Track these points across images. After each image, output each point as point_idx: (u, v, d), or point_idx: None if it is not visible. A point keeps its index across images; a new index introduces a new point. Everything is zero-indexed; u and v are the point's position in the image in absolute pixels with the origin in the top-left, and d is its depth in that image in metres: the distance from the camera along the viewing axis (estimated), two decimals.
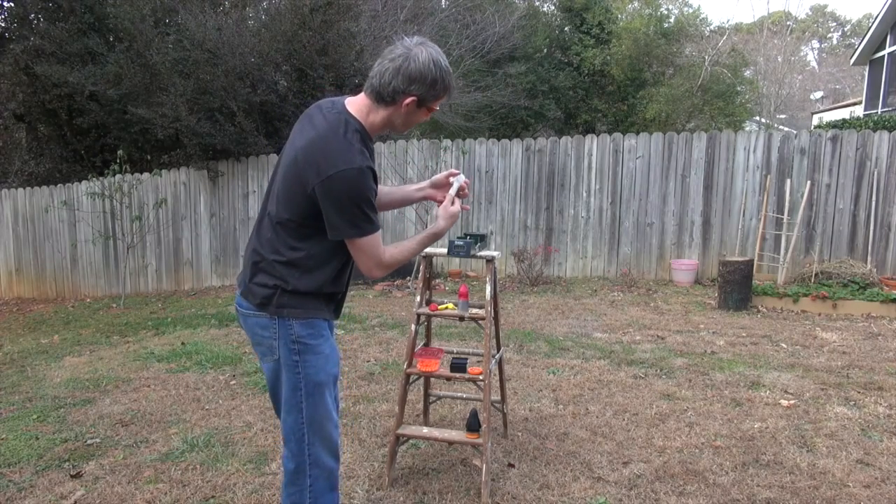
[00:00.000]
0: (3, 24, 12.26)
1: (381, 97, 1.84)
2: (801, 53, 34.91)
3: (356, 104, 1.89)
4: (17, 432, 3.56)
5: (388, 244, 1.97)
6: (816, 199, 7.73)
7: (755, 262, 7.39)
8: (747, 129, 17.53)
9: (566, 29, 18.12)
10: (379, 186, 2.15)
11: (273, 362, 1.96)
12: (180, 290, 9.83)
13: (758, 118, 20.29)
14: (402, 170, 8.89)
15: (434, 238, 2.08)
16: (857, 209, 7.62)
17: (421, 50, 1.81)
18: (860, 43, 17.07)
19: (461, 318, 2.83)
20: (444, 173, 2.21)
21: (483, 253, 2.73)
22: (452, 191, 2.13)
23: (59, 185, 10.97)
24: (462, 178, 2.15)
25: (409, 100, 1.84)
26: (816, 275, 7.09)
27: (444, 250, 2.72)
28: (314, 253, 1.90)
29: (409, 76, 1.80)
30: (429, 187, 2.25)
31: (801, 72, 34.36)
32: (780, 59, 21.90)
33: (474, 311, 2.86)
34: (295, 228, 1.87)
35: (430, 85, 1.83)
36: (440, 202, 2.16)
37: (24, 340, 7.08)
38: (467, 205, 2.21)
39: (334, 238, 1.86)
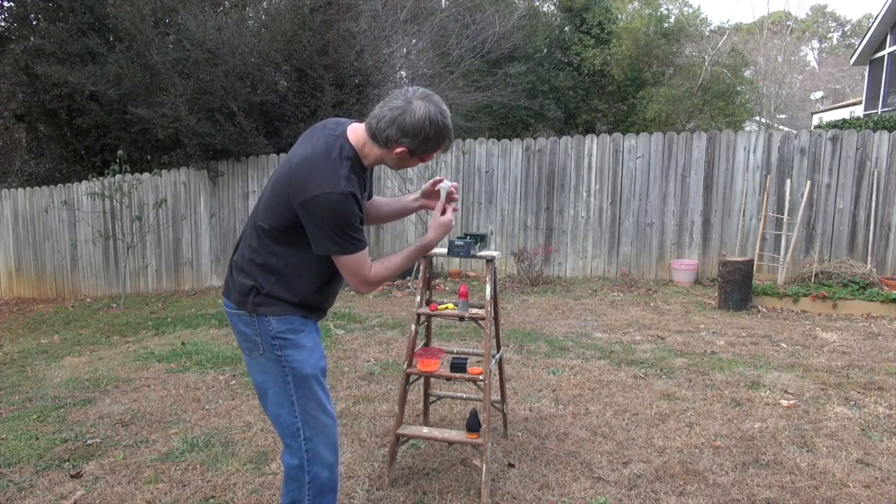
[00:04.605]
0: (3, 24, 12.26)
1: (376, 139, 1.91)
2: (801, 53, 34.90)
3: (356, 133, 1.95)
4: (17, 432, 3.56)
5: (385, 246, 2.03)
6: (816, 199, 7.73)
7: (755, 262, 7.39)
8: (747, 129, 17.53)
9: (566, 29, 18.12)
10: (377, 197, 2.26)
11: (259, 357, 2.01)
12: (180, 290, 9.83)
13: (758, 118, 20.28)
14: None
15: (423, 251, 2.15)
16: (857, 209, 7.62)
17: (420, 105, 1.86)
18: (860, 43, 17.07)
19: (461, 318, 2.83)
20: (430, 182, 2.23)
21: (483, 253, 2.72)
22: (441, 199, 2.15)
23: (59, 185, 10.97)
24: (447, 184, 2.16)
25: (399, 149, 1.91)
26: (816, 275, 7.09)
27: (444, 250, 2.71)
28: (292, 262, 1.96)
29: (402, 129, 1.86)
30: (421, 197, 2.28)
31: (801, 72, 34.35)
32: (780, 59, 21.88)
33: (474, 311, 2.85)
34: (276, 236, 1.94)
35: (421, 141, 1.89)
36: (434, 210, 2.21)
37: (24, 340, 7.08)
38: (457, 206, 2.20)
39: (318, 252, 1.92)
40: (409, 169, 8.86)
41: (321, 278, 2.01)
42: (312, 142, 1.93)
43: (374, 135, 1.91)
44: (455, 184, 2.19)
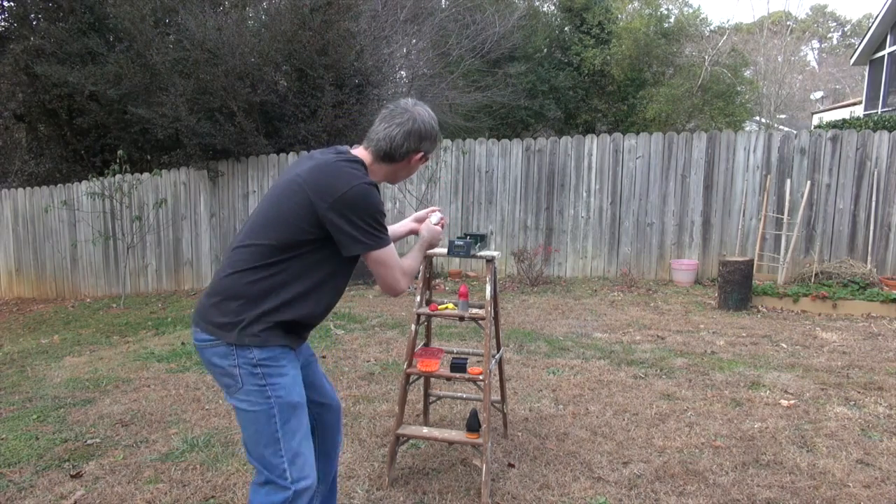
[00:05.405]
0: (3, 24, 12.25)
1: (392, 157, 1.98)
2: (801, 53, 34.90)
3: (359, 153, 2.00)
4: (17, 432, 3.56)
5: None
6: (816, 199, 7.73)
7: (755, 262, 7.39)
8: (747, 129, 17.53)
9: (566, 29, 18.13)
10: None
11: (238, 392, 1.84)
12: (180, 290, 9.83)
13: (758, 118, 20.28)
14: None
15: (425, 246, 2.26)
16: (857, 209, 7.62)
17: (420, 110, 1.99)
18: (860, 43, 17.07)
19: (461, 318, 2.83)
20: (425, 210, 2.38)
21: (483, 253, 2.72)
22: (432, 220, 2.33)
23: (59, 185, 10.97)
24: (439, 215, 2.36)
25: (418, 155, 2.02)
26: (816, 275, 7.09)
27: (444, 250, 2.72)
28: (290, 276, 1.85)
29: (419, 136, 1.98)
30: (411, 222, 2.39)
31: (801, 72, 34.35)
32: (780, 59, 21.89)
33: (474, 311, 2.85)
34: (283, 249, 1.83)
35: (432, 140, 2.03)
36: None
37: (24, 340, 7.08)
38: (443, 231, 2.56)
39: (353, 253, 1.85)
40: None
41: (328, 294, 1.94)
42: (314, 158, 1.93)
43: (386, 154, 1.97)
44: (444, 217, 2.39)
